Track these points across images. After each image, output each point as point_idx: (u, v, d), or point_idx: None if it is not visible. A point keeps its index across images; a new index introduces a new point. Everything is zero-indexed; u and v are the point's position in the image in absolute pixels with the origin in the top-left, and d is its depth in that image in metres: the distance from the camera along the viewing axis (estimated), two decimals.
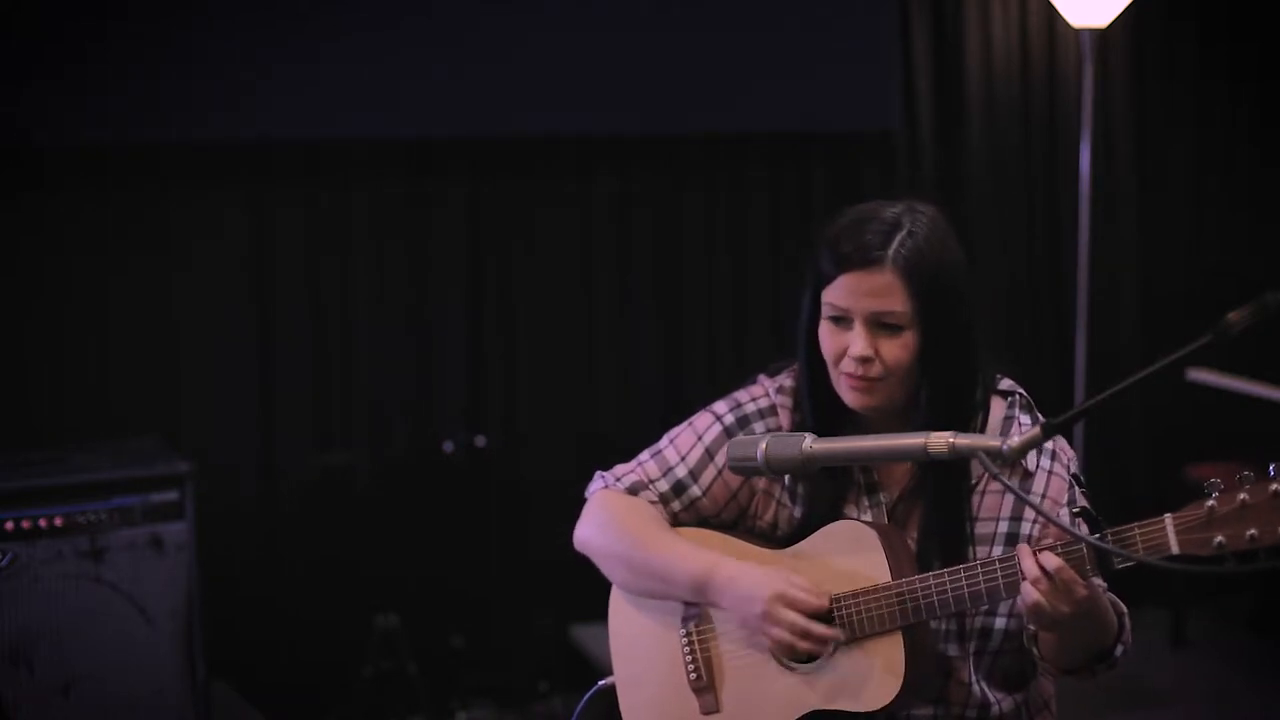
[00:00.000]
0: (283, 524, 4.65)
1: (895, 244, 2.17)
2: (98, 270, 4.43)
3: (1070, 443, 2.37)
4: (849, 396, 2.22)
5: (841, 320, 2.21)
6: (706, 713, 2.33)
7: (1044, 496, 2.22)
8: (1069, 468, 2.25)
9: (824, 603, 2.19)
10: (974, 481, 2.24)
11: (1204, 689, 4.90)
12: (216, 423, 4.56)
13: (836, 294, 2.20)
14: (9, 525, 3.69)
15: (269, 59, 4.44)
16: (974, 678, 2.25)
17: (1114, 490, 5.33)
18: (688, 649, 2.34)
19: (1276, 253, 5.38)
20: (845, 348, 2.20)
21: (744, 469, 2.19)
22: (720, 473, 2.36)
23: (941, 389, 2.21)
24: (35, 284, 4.37)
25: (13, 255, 4.34)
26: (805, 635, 2.18)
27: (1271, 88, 5.58)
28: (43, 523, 3.73)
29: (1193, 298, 5.51)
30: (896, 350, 2.18)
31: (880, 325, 2.18)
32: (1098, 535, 2.02)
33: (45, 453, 3.99)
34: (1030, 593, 2.02)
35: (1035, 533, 2.20)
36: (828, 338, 2.23)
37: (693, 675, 2.33)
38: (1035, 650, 2.20)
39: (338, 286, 4.70)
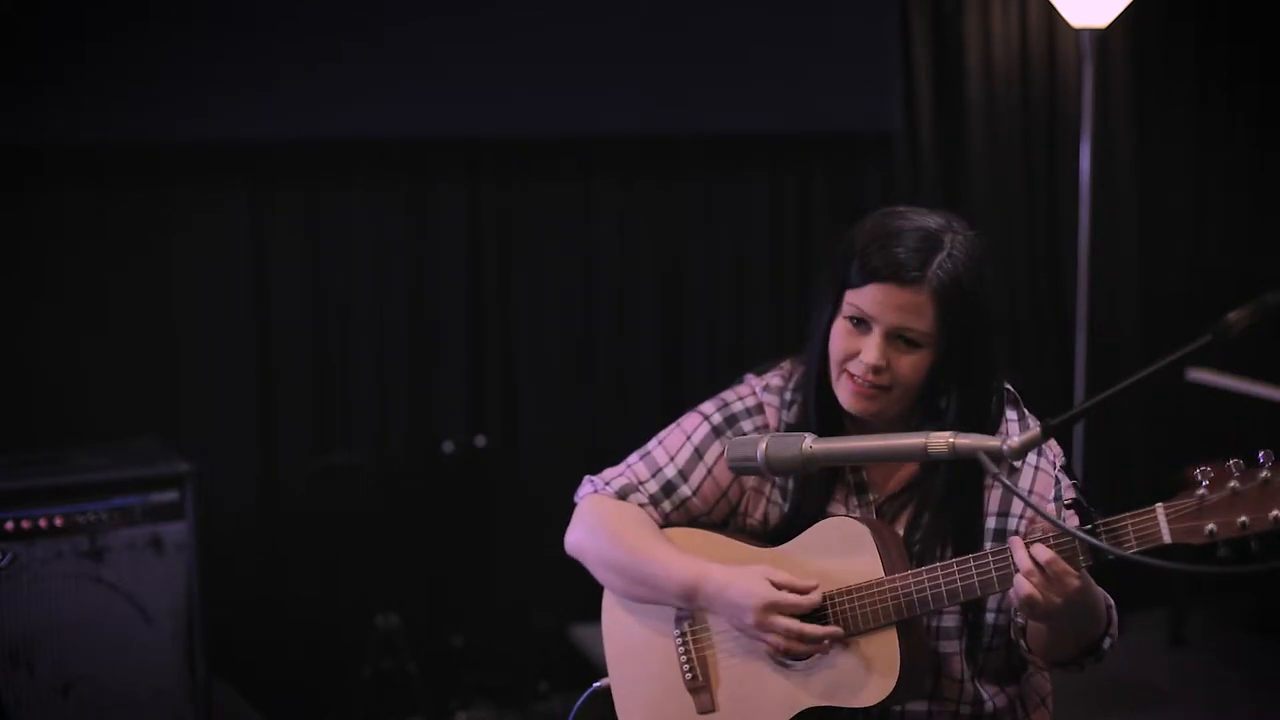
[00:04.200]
0: (283, 524, 4.65)
1: (934, 265, 2.16)
2: (97, 270, 4.42)
3: (1070, 443, 2.38)
4: (849, 400, 2.22)
5: (860, 324, 2.20)
6: (703, 712, 2.33)
7: (1031, 492, 2.24)
8: (1055, 463, 2.26)
9: (816, 599, 2.20)
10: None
11: (1203, 689, 4.90)
12: (216, 423, 4.56)
13: (863, 300, 2.19)
14: (9, 525, 3.69)
15: (269, 59, 4.43)
16: (967, 674, 2.25)
17: (1114, 490, 5.33)
18: (682, 649, 2.34)
19: (1276, 253, 5.38)
20: (857, 350, 2.20)
21: (743, 469, 2.20)
22: (710, 472, 2.37)
23: (957, 407, 2.22)
24: (35, 284, 4.37)
25: (13, 255, 4.34)
26: (801, 638, 2.19)
27: (1271, 88, 5.58)
28: (43, 523, 3.73)
29: (1193, 298, 5.51)
30: (908, 366, 2.19)
31: (900, 339, 2.18)
32: (1089, 526, 2.03)
33: (45, 453, 3.99)
34: (1023, 585, 2.03)
35: (1023, 528, 2.21)
36: (841, 336, 2.22)
37: (688, 675, 2.34)
38: (1023, 643, 2.21)
39: (338, 287, 4.70)
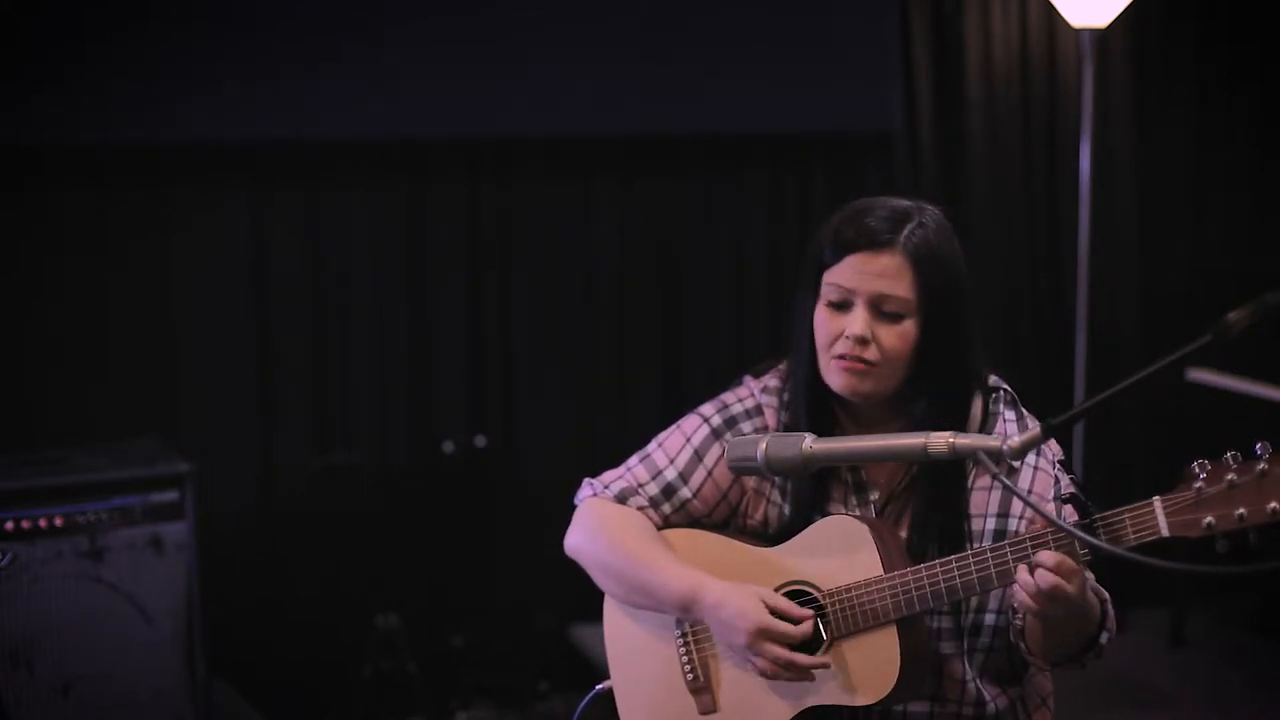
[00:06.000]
0: (283, 524, 4.65)
1: (906, 231, 2.19)
2: (97, 270, 4.43)
3: (1070, 443, 2.38)
4: (838, 380, 2.22)
5: (841, 305, 2.21)
6: (704, 713, 2.33)
7: (1030, 491, 2.23)
8: (1054, 462, 2.26)
9: (807, 630, 2.20)
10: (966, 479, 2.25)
11: (1204, 689, 4.90)
12: (216, 423, 4.56)
13: (841, 275, 2.20)
14: (9, 525, 3.69)
15: (269, 59, 4.44)
16: (969, 674, 2.25)
17: (1114, 491, 5.32)
18: (683, 650, 2.34)
19: (1277, 253, 5.38)
20: (841, 330, 2.20)
21: (743, 469, 2.19)
22: (710, 474, 2.37)
23: (938, 384, 2.22)
24: (34, 284, 4.37)
25: (13, 255, 4.34)
26: (789, 667, 2.19)
27: (1271, 88, 5.58)
28: (43, 523, 3.73)
29: (1193, 298, 5.50)
30: (894, 338, 2.19)
31: (881, 311, 2.19)
32: (1087, 520, 2.02)
33: (45, 453, 4.00)
34: (1023, 597, 2.05)
35: (1023, 528, 2.21)
36: (824, 322, 2.23)
37: (689, 676, 2.33)
38: (1023, 645, 2.21)
39: (338, 287, 4.70)
